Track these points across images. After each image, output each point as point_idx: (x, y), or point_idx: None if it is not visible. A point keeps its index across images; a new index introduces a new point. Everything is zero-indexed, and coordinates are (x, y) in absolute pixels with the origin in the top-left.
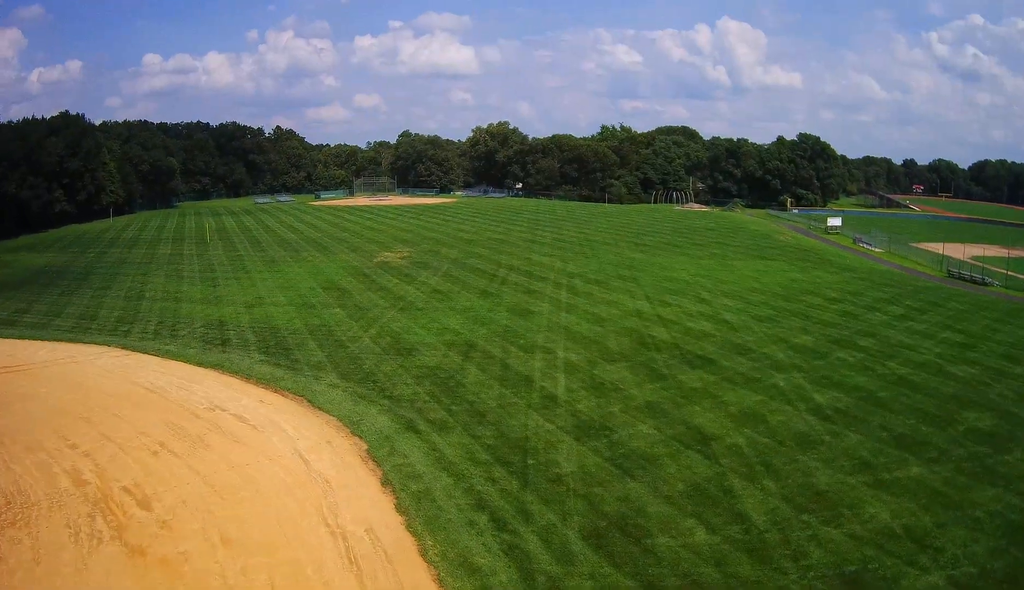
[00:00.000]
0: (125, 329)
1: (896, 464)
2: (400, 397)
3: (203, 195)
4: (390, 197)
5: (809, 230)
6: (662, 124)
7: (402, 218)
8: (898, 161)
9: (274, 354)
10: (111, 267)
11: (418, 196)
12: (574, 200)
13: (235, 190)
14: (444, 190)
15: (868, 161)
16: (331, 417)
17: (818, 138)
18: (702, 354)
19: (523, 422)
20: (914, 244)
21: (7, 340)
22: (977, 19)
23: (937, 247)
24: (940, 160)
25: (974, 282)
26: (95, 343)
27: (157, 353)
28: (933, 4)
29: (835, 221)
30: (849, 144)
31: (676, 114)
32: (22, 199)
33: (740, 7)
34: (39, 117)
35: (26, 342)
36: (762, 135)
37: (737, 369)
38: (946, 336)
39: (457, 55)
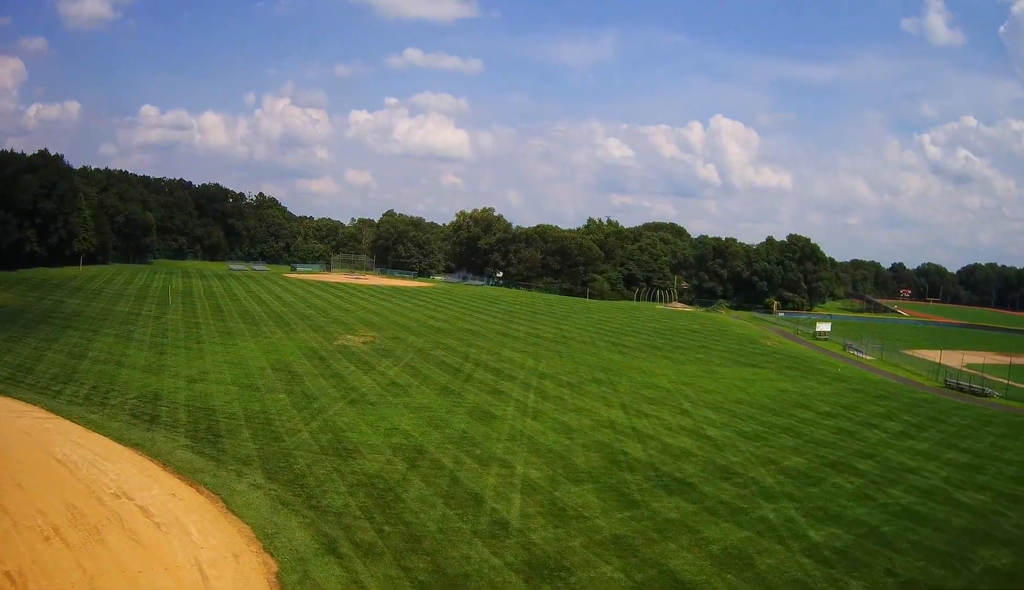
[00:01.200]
0: (57, 389)
1: None
2: (327, 508)
3: (179, 254)
4: (366, 276)
5: (797, 335)
6: (650, 220)
7: (374, 299)
8: (886, 264)
9: (201, 440)
10: (64, 319)
11: (395, 277)
12: (554, 293)
13: (212, 253)
14: (423, 273)
15: (856, 264)
16: (245, 525)
17: (808, 240)
18: (681, 477)
19: (465, 554)
20: (906, 351)
21: None
22: (970, 121)
23: (930, 354)
24: (929, 264)
25: (973, 393)
26: (23, 400)
27: (81, 421)
28: (927, 106)
29: (824, 327)
30: (836, 247)
31: (664, 211)
32: None
33: (734, 106)
34: (17, 152)
35: None
36: (749, 235)
37: (720, 497)
38: (951, 457)
39: (451, 137)
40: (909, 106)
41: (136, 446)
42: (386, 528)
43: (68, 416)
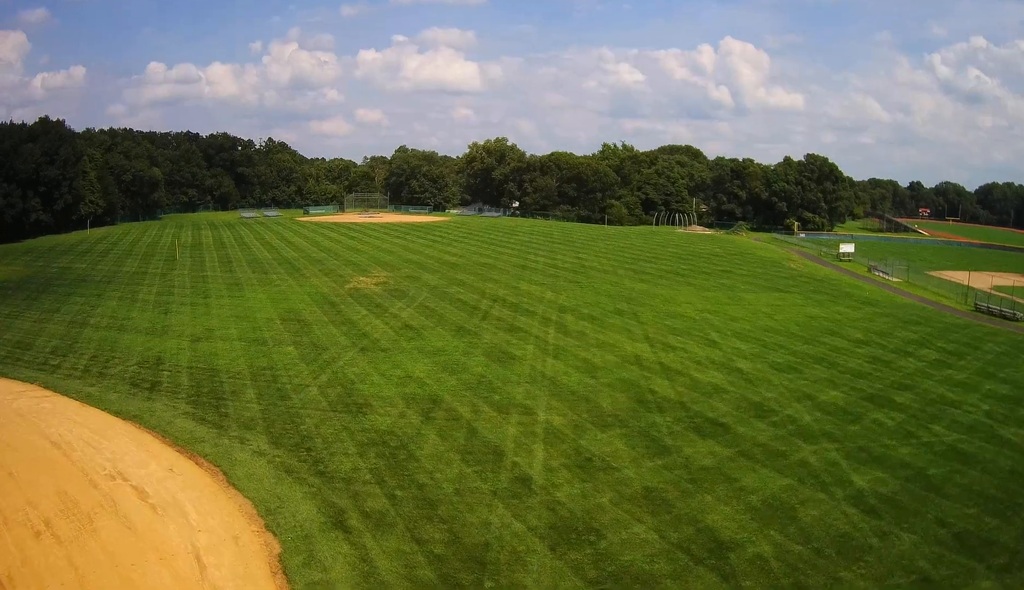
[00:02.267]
0: (56, 363)
1: (963, 578)
2: (335, 474)
3: (189, 207)
4: (381, 214)
5: (820, 257)
6: (664, 144)
7: (388, 237)
8: (903, 183)
9: (203, 405)
10: (68, 286)
11: (410, 213)
12: (572, 220)
13: (223, 203)
14: (438, 208)
15: (874, 184)
16: (246, 500)
17: (826, 159)
18: (713, 417)
19: (485, 519)
20: (932, 273)
21: None
22: (980, 41)
23: (956, 276)
24: (947, 183)
25: (1004, 317)
26: (20, 379)
27: (78, 396)
28: (935, 26)
29: (848, 248)
30: (851, 165)
31: (678, 134)
32: None
33: (743, 28)
34: (17, 122)
35: None
36: (764, 156)
37: (757, 438)
38: (991, 388)
39: (460, 71)
40: (918, 26)
41: (135, 418)
42: (398, 493)
43: (65, 392)
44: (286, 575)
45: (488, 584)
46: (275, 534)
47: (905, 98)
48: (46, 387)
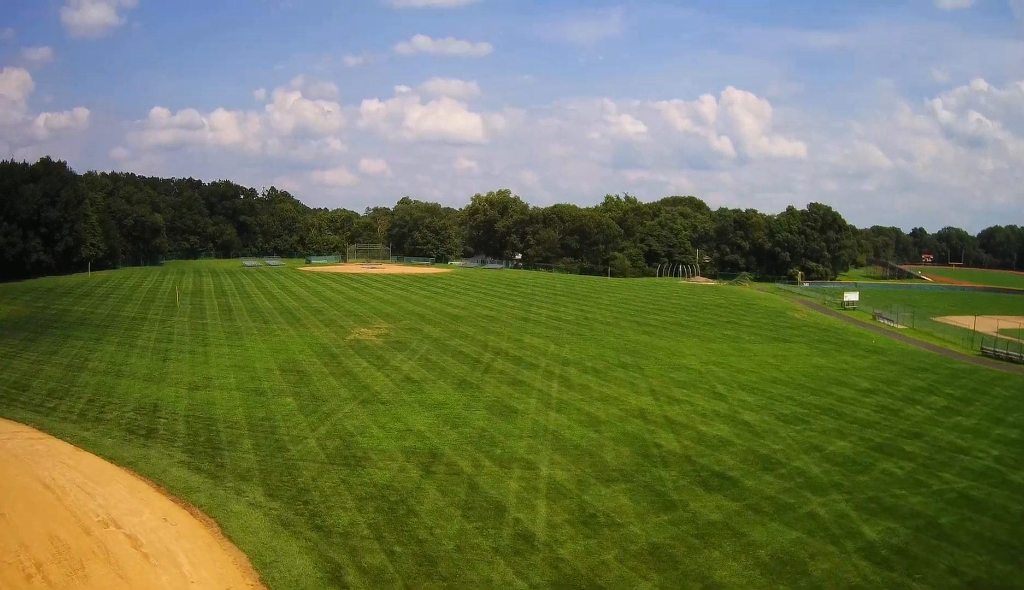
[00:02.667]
0: (52, 405)
1: None
2: (333, 528)
3: (191, 254)
4: (383, 265)
5: (824, 306)
6: (666, 195)
7: (390, 289)
8: (905, 230)
9: (199, 454)
10: (68, 327)
11: (412, 265)
12: (575, 273)
13: (225, 250)
14: (441, 259)
15: (877, 231)
16: (241, 552)
17: (829, 208)
18: (720, 470)
19: (486, 576)
20: (937, 318)
21: None
22: (980, 83)
23: (961, 321)
24: (949, 228)
25: (1011, 360)
26: (14, 419)
27: (73, 439)
28: (936, 70)
29: (852, 296)
30: (854, 213)
31: (680, 185)
32: None
33: (745, 77)
34: (19, 161)
35: None
36: (767, 205)
37: (764, 491)
38: (1000, 433)
39: (463, 122)
40: (919, 71)
41: (129, 465)
42: (397, 549)
43: (60, 435)
44: None
45: None
46: (269, 589)
47: (907, 144)
48: (41, 429)
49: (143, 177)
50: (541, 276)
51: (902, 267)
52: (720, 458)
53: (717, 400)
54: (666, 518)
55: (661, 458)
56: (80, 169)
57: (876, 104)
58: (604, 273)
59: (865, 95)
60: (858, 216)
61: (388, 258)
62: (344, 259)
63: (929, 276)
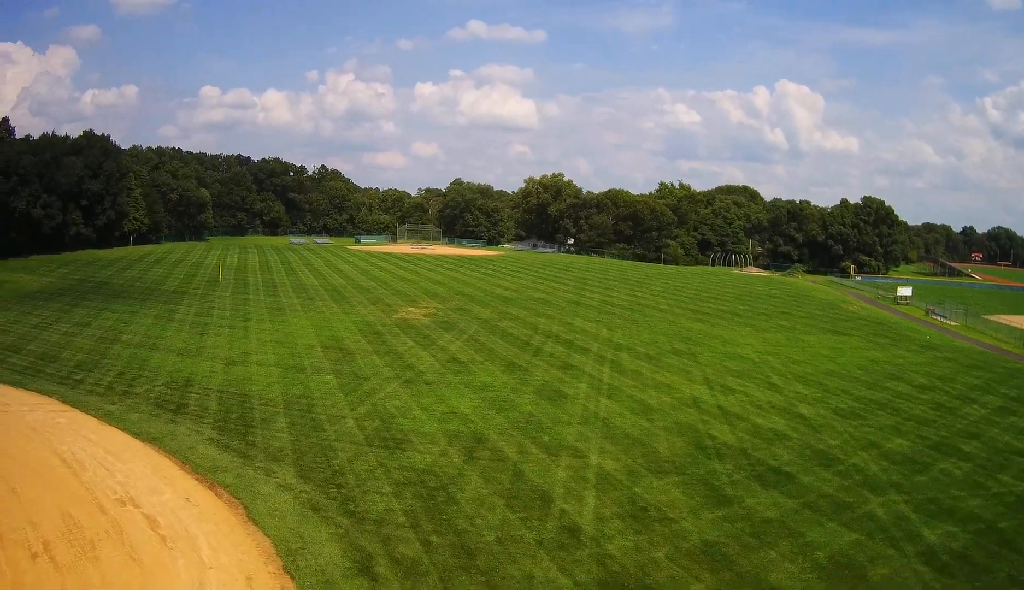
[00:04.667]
0: (79, 377)
1: None
2: (366, 515)
3: (238, 230)
4: (433, 246)
5: (877, 300)
6: (719, 185)
7: (440, 269)
8: (955, 228)
9: (230, 432)
10: (104, 300)
11: (463, 247)
12: (627, 259)
13: (272, 228)
14: (492, 242)
15: (928, 228)
16: (265, 538)
17: (882, 202)
18: (776, 465)
19: (527, 571)
20: (989, 316)
21: None
22: None
23: (1013, 320)
24: (999, 228)
25: None
26: (39, 391)
27: (98, 413)
28: (987, 71)
29: (905, 291)
30: (904, 210)
31: (733, 176)
32: (34, 218)
33: (798, 71)
34: (59, 133)
35: None
36: (818, 199)
37: (822, 489)
38: None
39: (517, 108)
40: (968, 71)
41: (154, 441)
42: (434, 539)
43: (85, 408)
44: None
45: None
46: (293, 577)
47: (957, 143)
48: (65, 401)
49: (190, 152)
50: (593, 261)
51: (952, 264)
52: (776, 452)
53: (772, 391)
54: (720, 514)
55: (715, 450)
56: (126, 145)
57: (927, 102)
58: (657, 260)
59: (916, 93)
60: (909, 213)
61: (439, 239)
62: (394, 239)
63: (979, 274)
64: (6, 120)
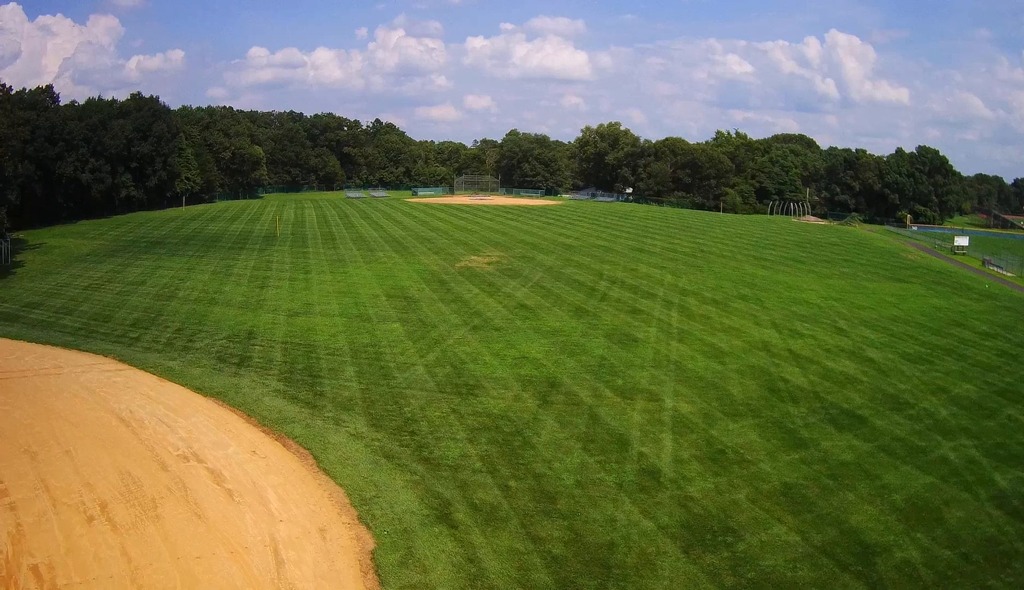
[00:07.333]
0: (135, 335)
1: None
2: (441, 461)
3: (292, 186)
4: (491, 197)
5: (935, 249)
6: (774, 134)
7: (499, 219)
8: (1007, 180)
9: (296, 382)
10: (157, 258)
11: (521, 197)
12: (686, 207)
13: (328, 183)
14: (550, 192)
15: (981, 179)
16: (338, 487)
17: (937, 151)
18: (849, 408)
19: (610, 515)
20: None
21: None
22: None
23: None
24: None
25: None
26: (92, 351)
27: (156, 370)
28: None
29: (962, 241)
30: (956, 162)
31: (786, 126)
32: (82, 182)
33: (848, 21)
34: (106, 98)
35: (18, 344)
36: (871, 149)
37: (895, 432)
38: None
39: (570, 59)
40: (1017, 23)
41: (218, 395)
42: (512, 484)
43: (143, 365)
44: (378, 575)
45: None
46: (369, 527)
47: (1007, 96)
48: (121, 360)
49: (241, 111)
50: (653, 209)
51: (1006, 216)
52: (848, 395)
53: (840, 335)
54: (797, 456)
55: (789, 393)
56: (175, 107)
57: (976, 54)
58: (715, 209)
59: (964, 44)
60: (961, 165)
61: (497, 190)
62: (452, 191)
63: None
64: (49, 87)
